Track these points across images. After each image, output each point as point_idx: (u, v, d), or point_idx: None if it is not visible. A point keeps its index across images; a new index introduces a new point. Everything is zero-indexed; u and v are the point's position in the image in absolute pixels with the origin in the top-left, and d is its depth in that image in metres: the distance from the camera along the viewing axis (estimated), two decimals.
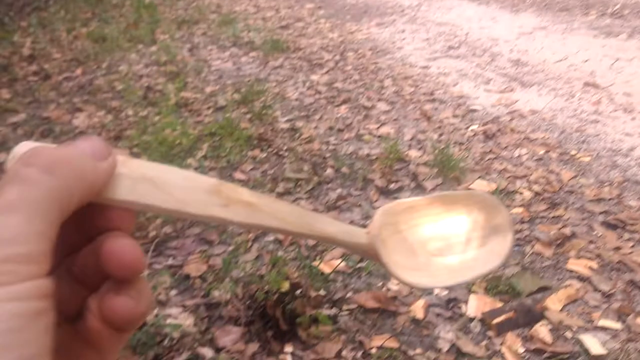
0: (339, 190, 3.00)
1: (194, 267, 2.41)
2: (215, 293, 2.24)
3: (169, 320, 2.07)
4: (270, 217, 0.33)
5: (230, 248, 2.55)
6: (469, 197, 0.37)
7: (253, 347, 1.98)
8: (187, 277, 2.37)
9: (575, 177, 3.04)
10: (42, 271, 0.26)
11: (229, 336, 2.02)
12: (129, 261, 0.28)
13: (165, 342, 2.00)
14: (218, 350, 1.97)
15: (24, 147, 0.29)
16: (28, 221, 0.25)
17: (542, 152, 3.33)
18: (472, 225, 0.36)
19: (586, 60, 4.88)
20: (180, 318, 2.11)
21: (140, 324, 0.31)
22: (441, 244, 0.36)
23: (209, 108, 4.16)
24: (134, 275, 0.29)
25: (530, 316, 2.08)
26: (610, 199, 2.81)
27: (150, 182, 0.29)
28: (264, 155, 3.42)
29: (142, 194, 0.29)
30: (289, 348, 1.99)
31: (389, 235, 0.35)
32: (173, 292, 2.28)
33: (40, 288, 0.25)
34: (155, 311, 2.14)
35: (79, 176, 0.27)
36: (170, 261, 2.49)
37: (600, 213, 2.71)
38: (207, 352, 1.95)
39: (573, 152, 3.31)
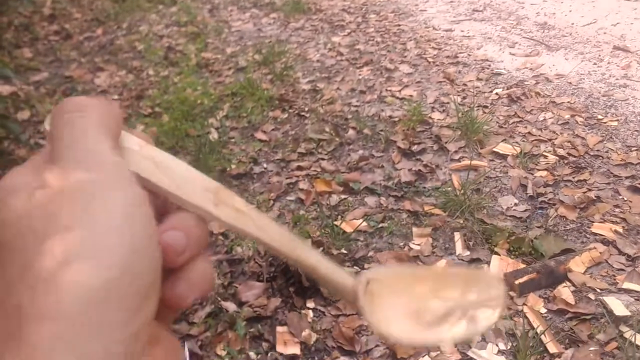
0: (360, 152, 2.98)
1: (216, 224, 2.41)
2: (238, 249, 2.25)
3: None
4: (254, 226, 0.33)
5: (252, 207, 2.56)
6: (471, 274, 0.36)
7: (275, 302, 2.00)
8: (210, 233, 2.38)
9: (601, 141, 2.99)
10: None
11: (252, 291, 2.04)
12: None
13: None
14: (241, 304, 2.00)
15: None
16: (97, 141, 0.28)
17: (567, 116, 3.26)
18: (466, 300, 0.34)
19: (616, 24, 4.74)
20: None
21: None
22: (430, 317, 0.34)
23: (229, 69, 4.14)
24: (174, 264, 0.29)
25: (554, 278, 2.07)
26: (637, 164, 2.75)
27: (155, 163, 0.32)
28: (285, 115, 3.40)
29: (143, 169, 0.31)
30: (311, 304, 2.00)
31: (378, 291, 0.34)
32: None
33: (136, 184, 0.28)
34: None
35: (104, 112, 0.30)
36: None
37: (627, 177, 2.66)
38: (230, 305, 1.97)
39: (600, 117, 3.24)
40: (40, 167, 0.28)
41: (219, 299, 2.00)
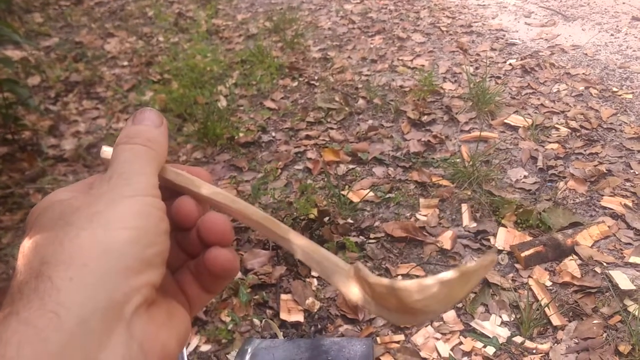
0: (370, 122, 2.96)
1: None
2: None
3: None
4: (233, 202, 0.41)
5: (260, 175, 2.56)
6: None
7: (280, 269, 2.01)
8: None
9: (615, 114, 2.93)
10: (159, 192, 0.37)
11: (257, 259, 2.05)
12: (221, 230, 0.38)
13: None
14: (246, 271, 2.01)
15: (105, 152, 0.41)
16: (145, 167, 0.37)
17: (582, 88, 3.21)
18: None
19: None
20: None
21: (229, 281, 0.41)
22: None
23: (240, 36, 4.10)
24: (225, 241, 0.38)
25: (560, 251, 2.05)
26: None
27: (185, 174, 0.41)
28: (295, 84, 3.38)
29: (176, 177, 0.41)
30: (315, 272, 2.01)
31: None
32: None
33: (160, 198, 0.36)
34: None
35: (161, 148, 0.39)
36: None
37: (639, 151, 2.62)
38: None
39: (615, 89, 3.18)
40: (91, 179, 0.38)
41: None
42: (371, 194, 2.38)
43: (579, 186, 2.41)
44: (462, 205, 2.32)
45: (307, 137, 2.84)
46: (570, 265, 2.00)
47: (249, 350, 0.94)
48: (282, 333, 1.78)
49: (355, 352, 0.92)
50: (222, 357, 1.72)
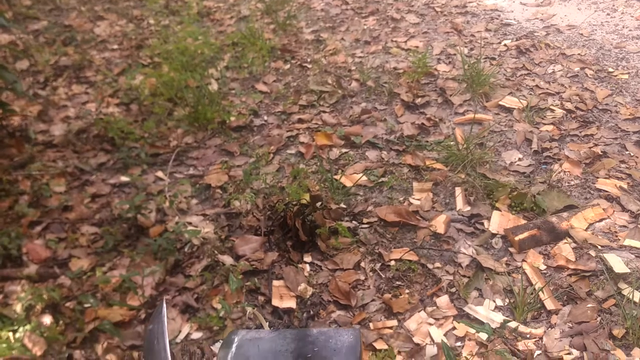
0: (363, 104, 2.92)
1: (215, 177, 2.40)
2: (236, 203, 2.23)
3: (189, 228, 2.08)
4: None
5: (252, 160, 2.53)
6: None
7: (272, 256, 1.99)
8: (208, 186, 2.36)
9: (610, 95, 2.90)
10: None
11: (249, 245, 2.03)
12: None
13: (186, 248, 2.02)
14: (237, 258, 1.99)
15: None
16: None
17: (577, 68, 3.17)
18: None
19: None
20: (200, 226, 2.12)
21: None
22: None
23: (231, 17, 4.04)
24: None
25: (555, 234, 2.04)
26: None
27: None
28: (287, 66, 3.33)
29: None
30: (308, 258, 1.99)
31: None
32: (194, 201, 2.29)
33: None
34: (176, 219, 2.16)
35: None
36: (191, 171, 2.48)
37: (635, 132, 2.60)
38: (226, 259, 1.97)
39: (610, 70, 3.15)
40: None
41: (216, 252, 2.00)
42: (364, 178, 2.36)
43: (573, 168, 2.38)
44: (456, 188, 2.30)
45: (300, 120, 2.81)
46: (565, 248, 1.98)
47: (236, 339, 0.92)
48: (272, 320, 1.76)
49: (342, 343, 0.90)
50: (213, 343, 1.70)
